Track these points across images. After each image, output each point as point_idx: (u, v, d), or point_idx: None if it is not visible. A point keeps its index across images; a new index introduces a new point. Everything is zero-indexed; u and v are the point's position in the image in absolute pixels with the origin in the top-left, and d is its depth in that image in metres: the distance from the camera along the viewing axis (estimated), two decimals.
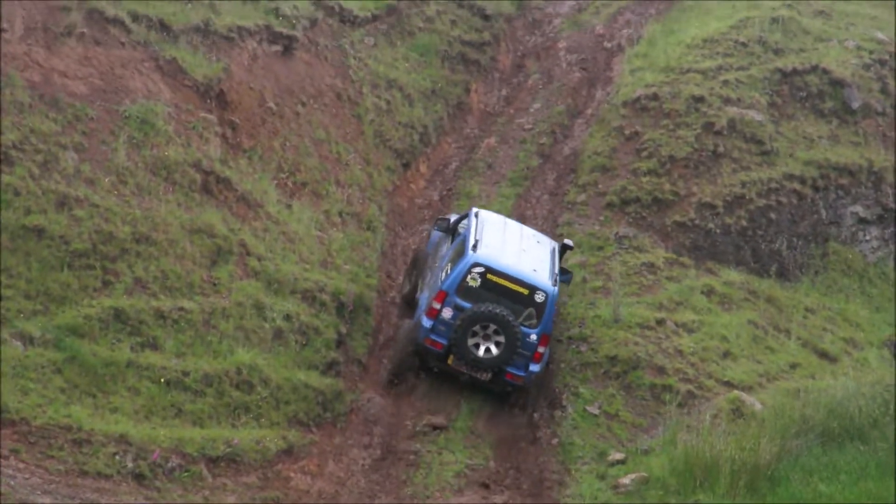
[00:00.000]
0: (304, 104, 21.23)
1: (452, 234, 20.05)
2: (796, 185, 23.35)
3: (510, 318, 18.30)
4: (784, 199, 23.14)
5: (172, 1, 20.11)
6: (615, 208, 22.51)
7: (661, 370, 18.81)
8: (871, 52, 26.30)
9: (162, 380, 15.65)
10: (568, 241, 20.59)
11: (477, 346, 18.46)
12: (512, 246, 19.43)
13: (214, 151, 18.58)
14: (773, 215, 22.97)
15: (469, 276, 18.50)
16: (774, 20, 26.81)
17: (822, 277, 22.92)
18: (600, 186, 22.99)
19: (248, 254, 17.74)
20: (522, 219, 22.31)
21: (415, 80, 24.91)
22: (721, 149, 23.40)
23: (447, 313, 18.51)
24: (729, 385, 18.61)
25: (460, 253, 18.97)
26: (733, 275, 21.78)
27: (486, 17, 28.06)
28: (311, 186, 20.11)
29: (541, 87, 27.23)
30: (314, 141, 20.94)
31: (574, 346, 19.65)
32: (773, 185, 23.18)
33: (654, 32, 27.77)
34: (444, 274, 18.99)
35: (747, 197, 22.87)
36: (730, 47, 26.06)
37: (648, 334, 19.61)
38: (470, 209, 20.30)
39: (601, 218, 22.38)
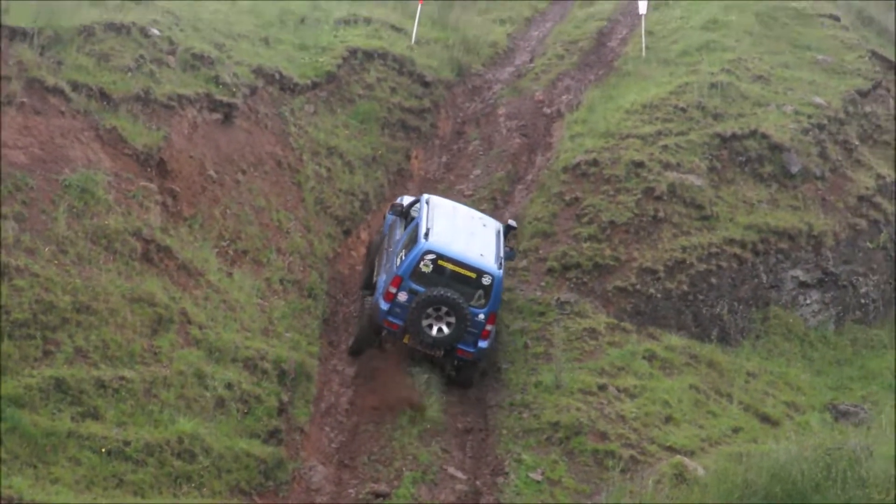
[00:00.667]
0: (244, 172, 21.82)
1: (406, 218, 22.36)
2: (737, 250, 24.04)
3: (461, 301, 20.52)
4: (725, 264, 23.82)
5: (113, 70, 20.63)
6: (556, 274, 23.16)
7: (603, 436, 19.34)
8: (809, 117, 27.27)
9: (103, 450, 15.91)
10: (511, 222, 23.17)
11: (430, 326, 20.70)
12: (461, 231, 21.63)
13: (155, 220, 19.02)
14: (713, 280, 23.61)
15: (422, 263, 20.70)
16: (713, 85, 27.70)
17: (763, 341, 23.60)
18: (541, 252, 23.62)
19: (189, 322, 18.11)
20: None
21: (355, 146, 25.66)
22: (661, 214, 24.09)
23: (402, 297, 20.69)
24: (671, 450, 19.12)
25: (413, 240, 21.06)
26: (675, 339, 22.39)
27: (426, 84, 28.99)
28: (251, 254, 20.65)
29: (481, 153, 28.00)
30: (255, 209, 21.50)
31: (516, 413, 20.23)
32: (714, 249, 23.84)
33: (593, 98, 28.69)
34: (398, 259, 21.05)
35: (688, 262, 23.52)
36: (669, 112, 26.86)
37: (590, 400, 20.14)
38: (421, 195, 22.68)
39: (542, 283, 23.00)
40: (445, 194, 26.27)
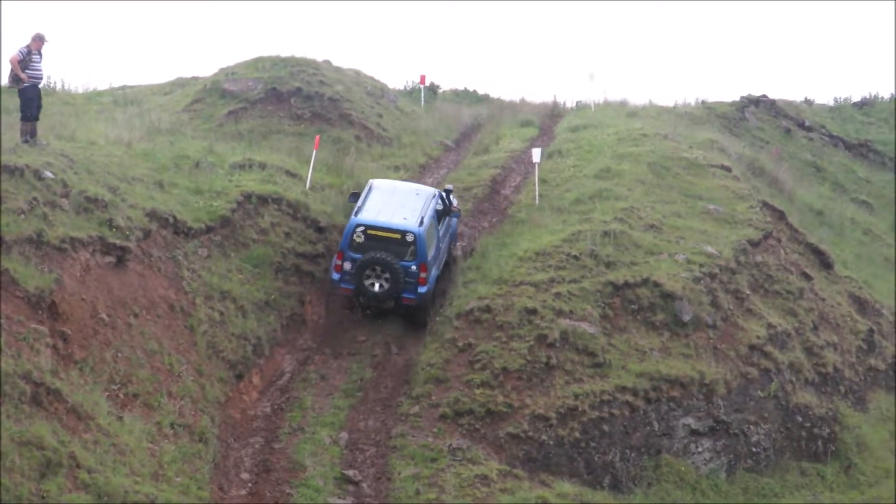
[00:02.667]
0: (136, 315, 22.44)
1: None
2: (629, 397, 24.70)
3: (389, 258, 26.93)
4: (617, 411, 24.45)
5: (5, 212, 21.17)
6: (449, 420, 23.67)
7: None
8: (701, 266, 28.33)
9: None
10: (448, 186, 30.64)
11: (373, 284, 27.07)
12: (392, 204, 28.23)
13: (45, 363, 19.31)
14: (606, 427, 24.19)
15: (355, 235, 27.30)
16: (606, 234, 28.79)
17: (654, 489, 24.06)
18: (434, 398, 24.17)
19: (79, 466, 18.18)
20: (354, 431, 23.50)
21: (248, 291, 26.40)
22: (554, 361, 24.82)
23: (347, 265, 27.28)
24: None
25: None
26: (567, 487, 22.75)
27: (320, 230, 29.98)
28: (142, 398, 21.07)
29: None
30: (146, 352, 22.02)
31: None
32: (606, 397, 24.50)
33: (486, 245, 29.79)
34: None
35: (580, 409, 24.11)
36: (562, 260, 27.81)
37: None
38: (371, 180, 29.52)
39: (434, 430, 23.46)
40: (338, 339, 27.21)
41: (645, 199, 32.29)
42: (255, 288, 26.79)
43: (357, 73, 47.85)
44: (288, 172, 31.96)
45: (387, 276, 27.05)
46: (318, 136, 35.22)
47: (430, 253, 27.87)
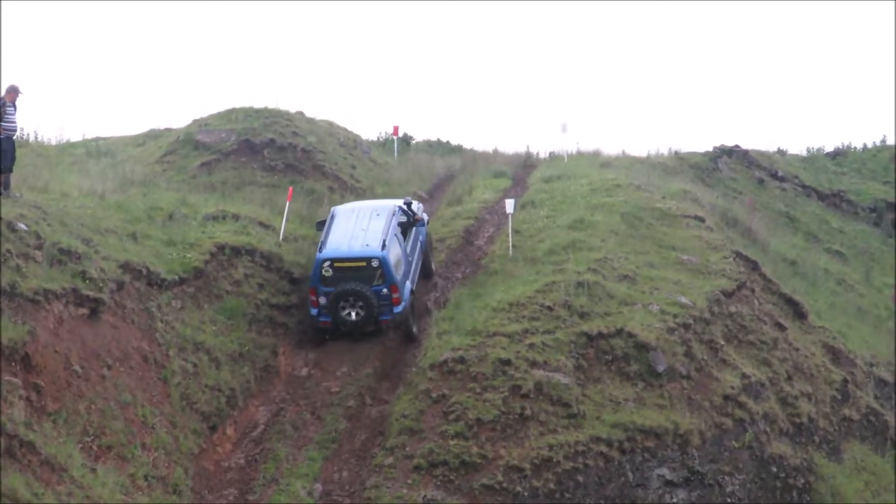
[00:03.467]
0: (110, 367, 22.58)
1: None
2: (603, 448, 24.90)
3: (358, 288, 28.49)
4: (591, 462, 24.63)
5: None
6: (423, 471, 23.77)
7: None
8: (675, 316, 28.60)
9: None
10: (406, 198, 32.70)
11: (349, 314, 28.54)
12: (353, 231, 29.70)
13: (18, 415, 19.44)
14: (580, 478, 24.38)
15: (323, 270, 28.71)
16: (580, 284, 29.03)
17: None
18: (408, 449, 24.26)
19: None
20: (329, 482, 23.69)
21: (222, 342, 26.60)
22: (528, 412, 25.00)
23: (322, 300, 28.73)
24: None
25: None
26: None
27: (293, 281, 30.25)
28: (116, 450, 21.18)
29: (348, 350, 28.90)
30: (120, 404, 22.15)
31: None
32: (581, 447, 24.70)
33: (460, 296, 29.99)
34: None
35: (555, 460, 24.31)
36: (536, 311, 28.04)
37: None
38: (333, 208, 31.50)
39: (409, 481, 23.58)
40: (313, 391, 27.33)
41: (619, 249, 32.58)
42: (228, 339, 27.01)
43: (330, 124, 48.14)
44: (261, 224, 32.25)
45: (360, 304, 28.49)
46: (291, 188, 35.49)
47: (400, 270, 29.44)
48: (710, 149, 54.93)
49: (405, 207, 31.59)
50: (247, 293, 28.68)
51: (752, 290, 32.70)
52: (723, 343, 29.46)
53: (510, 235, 33.77)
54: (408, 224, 31.31)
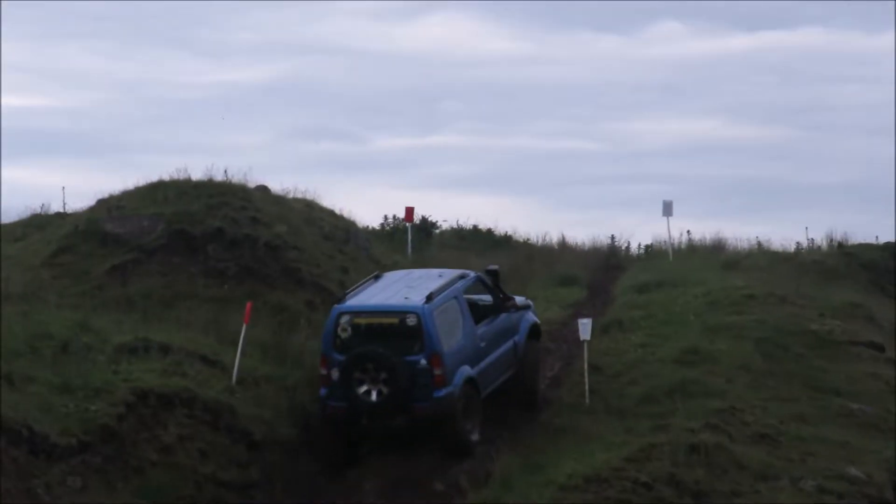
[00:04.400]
0: None
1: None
2: None
3: (381, 351, 29.18)
4: None
5: None
6: None
7: None
8: (841, 497, 28.55)
9: None
10: (491, 266, 33.76)
11: (368, 392, 29.30)
12: (398, 287, 31.45)
13: None
14: None
15: (339, 329, 29.93)
16: (693, 449, 29.01)
17: None
18: None
19: None
20: None
21: None
22: None
23: (335, 374, 29.67)
24: None
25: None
26: None
27: (253, 446, 30.30)
28: None
29: None
30: None
31: None
32: None
33: (509, 467, 29.70)
34: None
35: None
36: (626, 490, 27.91)
37: None
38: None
39: None
40: None
41: (752, 395, 32.78)
42: None
43: (309, 204, 48.41)
44: (204, 359, 32.53)
45: (384, 376, 29.37)
46: (249, 304, 35.54)
47: (454, 343, 30.32)
48: (893, 239, 55.12)
49: (485, 279, 33.04)
50: (182, 465, 28.71)
51: None
52: None
53: (586, 374, 33.92)
54: (491, 306, 32.74)
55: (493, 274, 33.00)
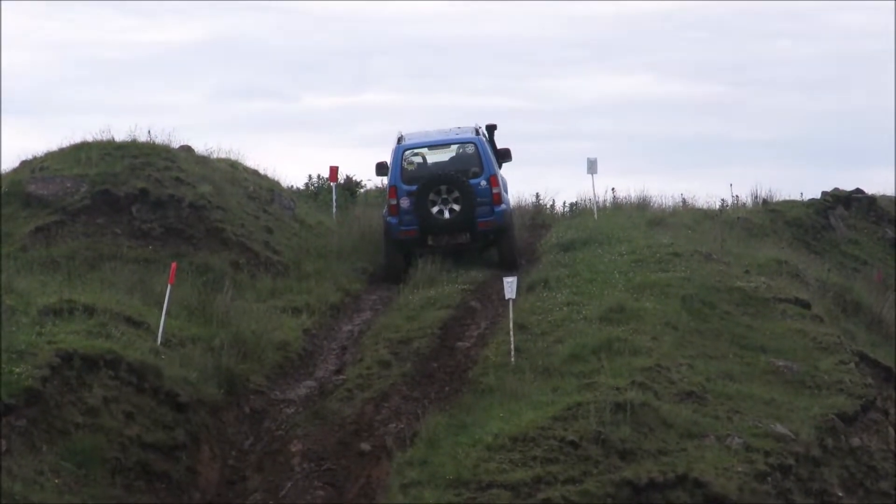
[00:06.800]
0: None
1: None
2: None
3: (453, 173, 36.49)
4: None
5: None
6: None
7: None
8: (767, 455, 28.68)
9: None
10: (490, 123, 40.58)
11: (441, 212, 36.24)
12: (436, 133, 39.25)
13: None
14: None
15: (405, 162, 36.99)
16: (620, 407, 29.03)
17: None
18: None
19: None
20: None
21: (70, 503, 26.58)
22: None
23: (405, 203, 36.63)
24: None
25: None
26: None
27: (179, 408, 30.15)
28: None
29: None
30: None
31: None
32: None
33: (436, 427, 29.64)
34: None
35: None
36: (553, 449, 28.00)
37: None
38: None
39: None
40: None
41: (679, 352, 32.85)
42: (80, 498, 26.93)
43: (233, 164, 48.31)
44: (129, 320, 32.48)
45: (455, 195, 36.24)
46: (174, 264, 35.48)
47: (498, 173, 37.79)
48: (818, 196, 55.27)
49: (485, 133, 40.07)
50: (107, 427, 28.60)
51: (886, 413, 32.92)
52: (841, 495, 29.68)
53: (512, 333, 33.87)
54: (498, 154, 40.35)
55: (492, 129, 38.67)
